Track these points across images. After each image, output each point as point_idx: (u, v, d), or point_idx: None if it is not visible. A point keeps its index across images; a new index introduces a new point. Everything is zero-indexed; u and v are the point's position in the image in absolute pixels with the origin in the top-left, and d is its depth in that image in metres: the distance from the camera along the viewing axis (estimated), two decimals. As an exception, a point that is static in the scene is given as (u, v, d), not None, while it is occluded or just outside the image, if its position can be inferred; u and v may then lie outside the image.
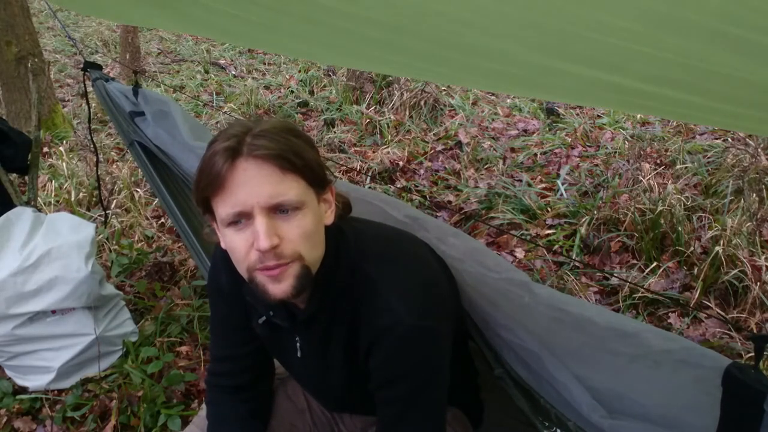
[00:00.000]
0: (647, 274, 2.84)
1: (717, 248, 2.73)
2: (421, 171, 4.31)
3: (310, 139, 1.05)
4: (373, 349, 1.05)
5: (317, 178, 1.00)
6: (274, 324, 1.16)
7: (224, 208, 0.95)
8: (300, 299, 1.09)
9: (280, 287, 0.97)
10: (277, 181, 0.94)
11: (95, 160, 2.92)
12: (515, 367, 1.23)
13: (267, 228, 0.93)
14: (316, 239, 1.00)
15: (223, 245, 1.03)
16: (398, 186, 4.09)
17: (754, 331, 2.48)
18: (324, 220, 1.04)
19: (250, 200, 0.93)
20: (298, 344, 1.18)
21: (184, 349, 2.51)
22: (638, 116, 4.93)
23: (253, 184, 0.93)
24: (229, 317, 1.26)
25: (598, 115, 5.16)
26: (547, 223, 3.42)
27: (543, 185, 3.91)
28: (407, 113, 5.18)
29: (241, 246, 0.96)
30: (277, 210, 0.95)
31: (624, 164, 3.94)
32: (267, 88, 6.66)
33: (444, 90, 5.74)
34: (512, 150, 4.57)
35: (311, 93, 6.29)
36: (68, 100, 6.25)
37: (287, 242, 0.95)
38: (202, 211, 1.03)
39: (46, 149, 4.65)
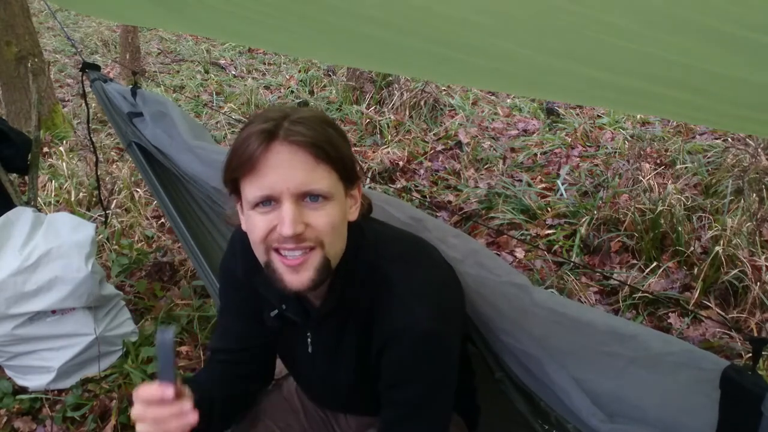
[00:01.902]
0: (647, 274, 2.84)
1: (717, 248, 2.73)
2: (421, 171, 4.30)
3: (345, 133, 1.04)
4: (386, 350, 1.05)
5: (348, 173, 1.00)
6: (286, 318, 1.15)
7: (253, 189, 0.95)
8: (315, 295, 1.08)
9: (298, 278, 0.96)
10: (309, 169, 0.94)
11: (95, 160, 2.92)
12: (516, 371, 1.23)
13: (294, 215, 0.93)
14: (340, 232, 1.00)
15: (244, 227, 1.03)
16: (398, 186, 4.09)
17: (754, 331, 2.48)
18: (348, 215, 1.04)
19: (280, 184, 0.93)
20: (309, 340, 1.17)
21: (184, 349, 2.51)
22: (638, 116, 4.92)
23: (286, 168, 0.93)
24: (240, 305, 1.23)
25: (598, 115, 5.16)
26: (547, 223, 3.42)
27: (543, 185, 3.90)
28: (407, 113, 5.17)
29: (263, 227, 0.95)
30: (306, 197, 0.94)
31: (624, 164, 3.94)
32: (267, 88, 6.65)
33: (444, 90, 5.73)
34: (512, 150, 4.56)
35: (311, 93, 6.29)
36: (68, 100, 6.24)
37: (311, 230, 0.95)
38: (229, 191, 1.02)
39: (46, 149, 4.64)
